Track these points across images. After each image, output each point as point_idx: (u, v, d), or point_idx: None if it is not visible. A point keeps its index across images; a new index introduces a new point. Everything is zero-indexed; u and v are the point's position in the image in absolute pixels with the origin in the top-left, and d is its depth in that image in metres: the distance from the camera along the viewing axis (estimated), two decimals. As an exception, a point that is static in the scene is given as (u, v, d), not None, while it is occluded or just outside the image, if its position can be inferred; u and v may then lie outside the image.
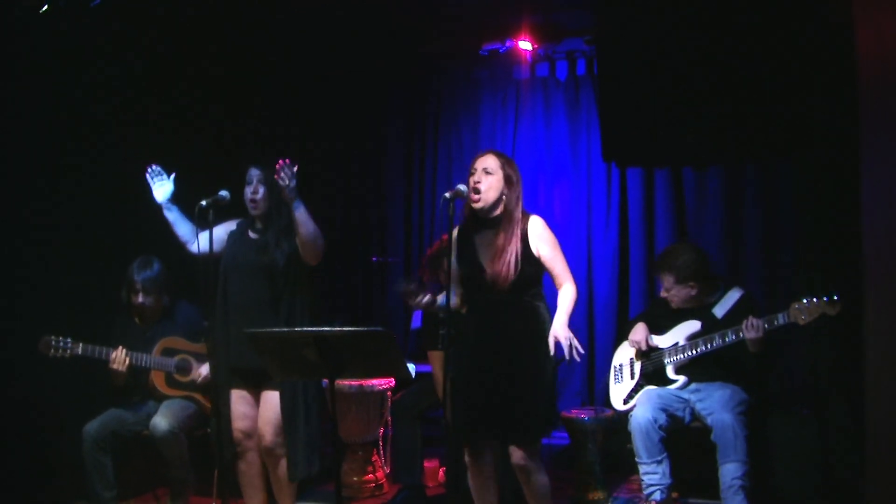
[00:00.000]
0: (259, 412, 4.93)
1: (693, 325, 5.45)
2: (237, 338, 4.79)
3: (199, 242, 4.88)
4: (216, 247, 4.82)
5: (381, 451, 6.46)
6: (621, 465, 5.99)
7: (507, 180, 4.60)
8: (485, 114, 8.05)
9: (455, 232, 4.58)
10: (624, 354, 5.78)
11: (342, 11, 6.66)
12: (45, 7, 5.72)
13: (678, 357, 5.41)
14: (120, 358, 5.51)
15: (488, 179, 4.56)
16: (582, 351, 4.38)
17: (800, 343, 5.93)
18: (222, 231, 5.01)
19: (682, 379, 5.42)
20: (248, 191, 4.89)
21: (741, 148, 5.92)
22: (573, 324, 7.48)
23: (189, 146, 6.43)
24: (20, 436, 5.67)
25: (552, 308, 4.62)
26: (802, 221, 6.08)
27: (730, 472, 5.03)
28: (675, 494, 5.39)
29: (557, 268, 4.57)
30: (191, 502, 5.77)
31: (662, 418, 5.25)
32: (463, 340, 4.55)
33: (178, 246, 5.12)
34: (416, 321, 7.18)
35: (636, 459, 5.28)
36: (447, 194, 4.38)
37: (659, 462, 5.21)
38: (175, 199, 5.09)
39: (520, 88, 7.92)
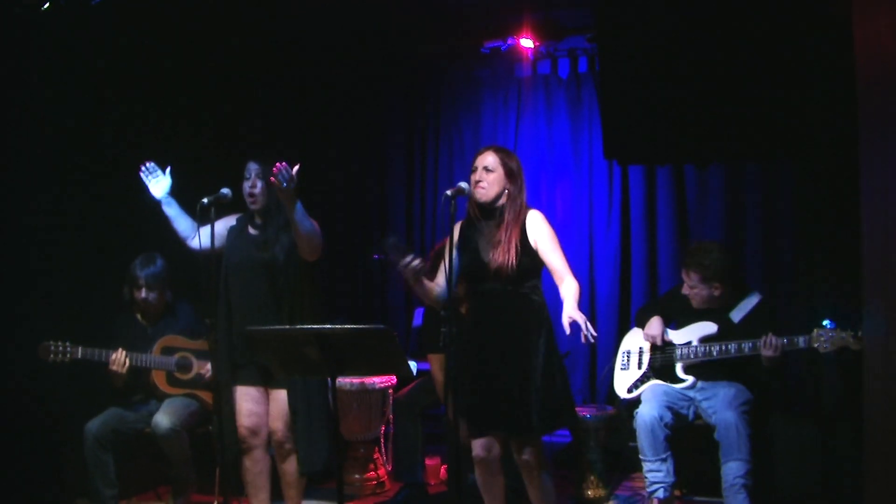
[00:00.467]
0: (270, 409, 4.90)
1: (709, 327, 5.41)
2: (242, 336, 4.78)
3: (200, 238, 4.87)
4: (216, 242, 4.80)
5: (383, 449, 6.46)
6: (623, 462, 5.99)
7: (509, 174, 4.61)
8: (486, 111, 8.05)
9: (457, 227, 4.58)
10: (633, 341, 5.75)
11: (344, 10, 6.66)
12: (47, 5, 5.72)
13: (689, 357, 5.39)
14: (120, 360, 5.51)
15: (490, 177, 4.57)
16: (595, 333, 4.32)
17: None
18: (222, 227, 4.98)
19: (690, 379, 5.40)
20: (247, 185, 4.86)
21: (742, 146, 5.91)
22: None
23: (190, 144, 6.43)
24: (22, 434, 5.66)
25: (551, 305, 4.63)
26: (804, 220, 6.07)
27: (732, 470, 5.03)
28: (678, 492, 5.39)
29: (556, 262, 4.54)
30: (192, 500, 5.78)
31: (668, 416, 5.24)
32: (463, 334, 4.57)
33: (178, 242, 5.10)
34: (418, 319, 7.18)
35: (640, 457, 5.27)
36: (448, 192, 4.38)
37: (663, 460, 5.20)
38: (175, 195, 5.08)
39: (521, 86, 7.93)
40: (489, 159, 4.62)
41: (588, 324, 4.27)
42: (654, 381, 5.50)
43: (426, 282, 4.57)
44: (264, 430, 4.94)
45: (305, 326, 3.93)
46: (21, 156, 5.82)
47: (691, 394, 5.40)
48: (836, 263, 5.27)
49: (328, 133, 8.14)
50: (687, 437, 5.44)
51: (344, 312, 8.01)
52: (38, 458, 5.74)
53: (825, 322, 4.96)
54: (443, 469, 6.35)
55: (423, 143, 8.26)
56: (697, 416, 5.38)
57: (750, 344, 5.14)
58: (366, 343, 3.85)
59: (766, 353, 5.05)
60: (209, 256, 4.77)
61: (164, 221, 5.08)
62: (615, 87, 5.92)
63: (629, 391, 5.60)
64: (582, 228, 7.65)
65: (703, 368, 5.39)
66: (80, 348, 5.45)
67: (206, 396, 5.70)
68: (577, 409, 5.93)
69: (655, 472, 5.20)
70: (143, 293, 5.68)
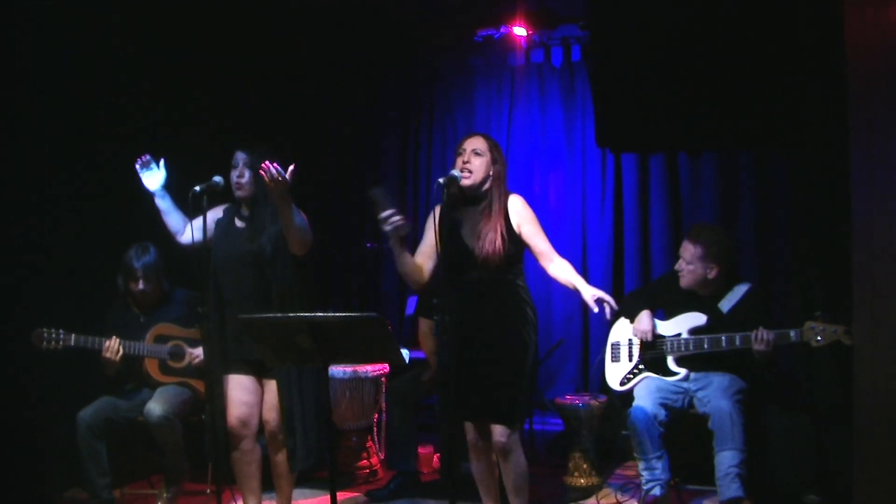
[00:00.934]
0: (264, 399, 4.87)
1: (698, 318, 5.39)
2: (234, 329, 4.76)
3: (191, 233, 4.84)
4: (203, 235, 4.77)
5: (376, 438, 6.46)
6: (616, 451, 6.00)
7: (495, 162, 4.62)
8: (479, 100, 8.06)
9: (437, 211, 4.55)
10: (621, 333, 5.72)
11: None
12: None
13: (680, 350, 5.38)
14: (113, 348, 5.50)
15: (477, 160, 4.57)
16: (615, 306, 4.46)
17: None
18: (210, 218, 4.94)
19: (683, 372, 5.40)
20: (234, 174, 4.83)
21: (735, 134, 5.91)
22: (566, 310, 7.60)
23: (182, 133, 6.42)
24: (14, 424, 5.65)
25: (535, 288, 4.67)
26: (796, 209, 6.08)
27: (726, 459, 5.03)
28: (672, 481, 5.39)
29: (542, 245, 4.59)
30: (185, 489, 5.77)
31: (662, 414, 5.24)
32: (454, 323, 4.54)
33: (168, 236, 5.08)
34: (411, 308, 7.19)
35: (635, 455, 5.28)
36: (441, 180, 4.38)
37: (658, 458, 5.20)
38: (167, 185, 5.06)
39: (515, 75, 7.93)
40: (478, 143, 4.63)
41: (611, 299, 4.42)
42: (646, 375, 5.49)
43: (406, 253, 4.55)
44: (254, 420, 4.90)
45: (298, 315, 3.91)
46: (14, 145, 5.80)
47: (685, 385, 5.40)
48: (830, 253, 5.26)
49: (321, 121, 8.12)
50: (680, 426, 5.44)
51: (337, 301, 8.02)
52: (30, 447, 5.74)
53: (818, 314, 4.95)
54: (435, 457, 6.36)
55: (417, 130, 8.26)
56: (691, 405, 5.38)
57: (741, 337, 5.13)
58: (358, 331, 3.84)
59: (759, 347, 5.04)
60: (200, 248, 4.75)
61: (155, 212, 5.06)
62: (607, 75, 5.91)
63: (622, 384, 5.59)
64: (575, 217, 7.66)
65: (695, 360, 5.37)
66: (73, 336, 5.44)
67: (199, 385, 5.70)
68: (569, 397, 5.99)
69: (651, 470, 5.21)
70: (141, 285, 5.67)
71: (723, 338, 5.19)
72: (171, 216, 5.03)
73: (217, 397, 4.84)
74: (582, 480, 5.82)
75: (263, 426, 4.90)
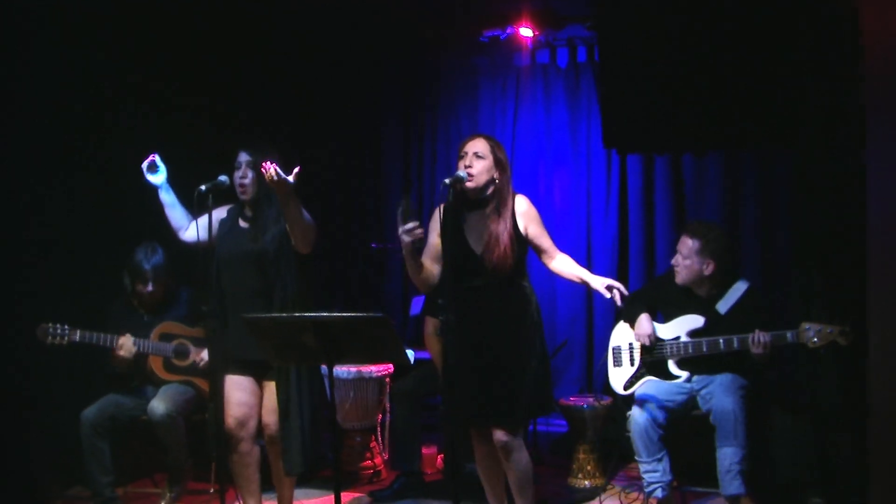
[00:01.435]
0: (264, 401, 4.84)
1: (696, 321, 5.39)
2: (235, 329, 4.73)
3: (195, 230, 4.82)
4: (208, 234, 4.76)
5: (380, 438, 6.46)
6: (620, 452, 5.99)
7: (498, 164, 4.58)
8: (484, 100, 8.04)
9: (440, 210, 4.49)
10: (622, 336, 5.72)
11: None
12: None
13: (680, 353, 5.38)
14: (128, 345, 5.51)
15: (479, 163, 4.54)
16: (626, 291, 4.45)
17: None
18: (214, 218, 4.92)
19: (685, 374, 5.40)
20: (237, 175, 4.81)
21: (741, 135, 5.89)
22: (571, 311, 7.59)
23: (186, 132, 6.41)
24: (17, 422, 5.66)
25: (537, 290, 4.67)
26: (801, 210, 6.06)
27: (728, 455, 5.04)
28: (674, 483, 5.39)
29: (547, 244, 4.63)
30: (189, 487, 5.78)
31: (661, 417, 5.24)
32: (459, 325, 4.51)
33: (171, 233, 5.07)
34: (415, 308, 7.18)
35: (636, 458, 5.30)
36: (447, 180, 4.38)
37: (659, 460, 5.21)
38: (172, 184, 5.03)
39: (520, 75, 7.91)
40: (479, 146, 4.59)
41: (620, 285, 4.42)
42: (648, 379, 5.50)
43: (419, 259, 4.54)
44: (253, 422, 4.85)
45: (303, 314, 3.90)
46: (20, 141, 5.80)
47: (688, 385, 5.39)
48: (833, 254, 5.25)
49: (325, 120, 8.11)
50: (683, 427, 5.44)
51: (341, 301, 8.01)
52: (33, 445, 5.74)
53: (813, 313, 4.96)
54: (439, 458, 6.35)
55: (421, 131, 8.25)
56: (696, 405, 5.37)
57: (738, 339, 5.13)
58: (363, 331, 3.84)
59: (756, 350, 5.05)
60: (205, 247, 4.74)
61: (160, 209, 5.03)
62: (614, 76, 5.90)
63: (625, 388, 5.59)
64: (580, 217, 7.65)
65: (696, 362, 5.37)
66: (77, 331, 5.45)
67: (203, 384, 5.71)
68: (573, 398, 5.98)
69: (652, 473, 5.22)
70: (150, 286, 5.67)
71: (720, 340, 5.19)
72: (175, 211, 5.00)
73: (220, 396, 4.83)
74: (586, 482, 5.83)
75: (263, 429, 4.87)
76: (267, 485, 5.03)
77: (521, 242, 4.54)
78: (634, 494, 5.62)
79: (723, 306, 5.38)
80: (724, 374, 5.30)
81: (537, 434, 6.63)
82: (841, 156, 4.81)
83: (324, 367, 4.17)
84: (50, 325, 5.39)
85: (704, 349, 5.25)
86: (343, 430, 6.16)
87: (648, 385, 5.44)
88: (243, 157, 4.82)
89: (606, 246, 7.52)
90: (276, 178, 4.40)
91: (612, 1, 5.76)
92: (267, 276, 4.75)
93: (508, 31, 7.47)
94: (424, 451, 6.17)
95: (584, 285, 4.59)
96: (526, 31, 7.40)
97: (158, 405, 5.45)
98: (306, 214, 4.73)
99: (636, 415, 5.24)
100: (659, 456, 5.21)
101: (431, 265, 4.65)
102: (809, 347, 4.93)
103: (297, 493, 5.08)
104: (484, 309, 4.52)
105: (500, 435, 4.48)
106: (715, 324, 5.33)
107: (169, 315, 5.78)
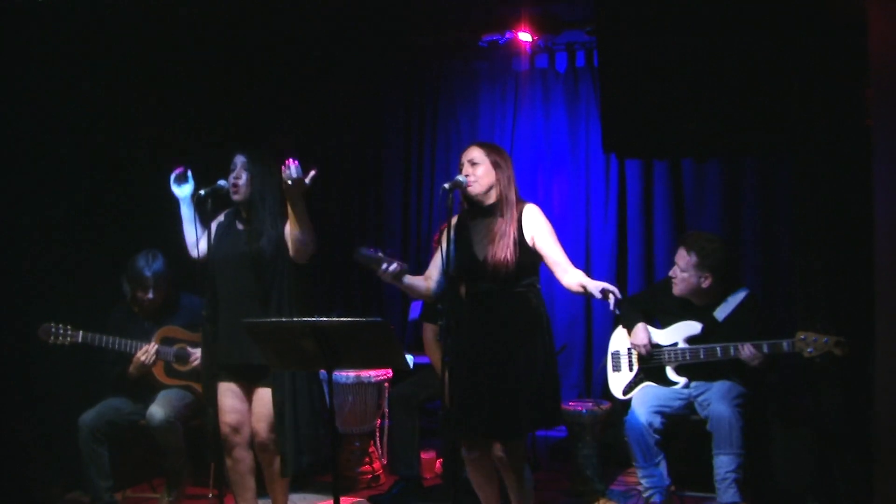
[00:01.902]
0: (252, 409, 4.82)
1: (693, 327, 5.40)
2: (226, 332, 4.71)
3: (204, 246, 4.84)
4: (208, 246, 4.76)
5: (379, 443, 6.45)
6: (619, 457, 5.99)
7: (496, 165, 4.56)
8: (483, 105, 8.04)
9: (454, 220, 4.52)
10: (620, 342, 5.73)
11: (341, 1, 6.64)
12: None
13: (678, 360, 5.38)
14: (150, 352, 5.52)
15: (476, 170, 4.53)
16: (620, 296, 4.27)
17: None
18: (213, 224, 4.93)
19: (683, 380, 5.40)
20: (231, 176, 4.82)
21: (743, 141, 5.89)
22: (570, 315, 7.58)
23: (186, 139, 6.41)
24: (16, 426, 5.65)
25: (547, 300, 4.63)
26: (802, 217, 6.05)
27: (724, 464, 5.04)
28: (672, 488, 5.39)
29: (557, 255, 4.48)
30: (187, 492, 5.77)
31: (657, 421, 5.25)
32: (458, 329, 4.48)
33: (181, 245, 5.06)
34: (414, 313, 7.18)
35: (633, 463, 5.31)
36: (446, 185, 4.36)
37: (656, 465, 5.23)
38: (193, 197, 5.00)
39: (519, 80, 7.91)
40: (474, 153, 4.59)
41: (615, 289, 4.26)
42: (647, 384, 5.50)
43: (409, 279, 4.50)
44: (246, 427, 4.85)
45: (302, 319, 3.90)
46: (26, 146, 5.80)
47: (686, 391, 5.40)
48: (834, 261, 5.25)
49: (325, 125, 8.10)
50: (681, 432, 5.45)
51: (340, 305, 8.00)
52: (32, 450, 5.73)
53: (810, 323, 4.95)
54: (438, 463, 6.34)
55: (421, 135, 8.24)
56: (693, 411, 5.38)
57: (734, 347, 5.13)
58: (363, 336, 3.84)
59: (753, 363, 5.07)
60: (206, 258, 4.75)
61: (170, 217, 5.03)
62: (615, 81, 5.90)
63: (624, 393, 5.60)
64: (578, 222, 7.65)
65: (694, 368, 5.37)
66: (80, 332, 5.45)
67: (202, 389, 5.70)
68: (572, 403, 5.97)
69: (650, 478, 5.24)
70: (151, 294, 5.67)
71: (718, 348, 5.20)
72: (191, 227, 5.01)
73: (216, 401, 4.82)
74: (585, 487, 5.81)
75: (253, 437, 4.85)
76: (263, 490, 5.02)
77: (526, 251, 4.49)
78: (633, 500, 5.62)
79: (721, 313, 5.38)
80: (721, 381, 5.30)
81: (535, 439, 6.62)
82: (845, 161, 4.80)
83: (323, 372, 4.17)
84: (52, 324, 5.40)
85: (702, 356, 5.25)
86: (342, 435, 6.16)
87: (646, 390, 5.46)
88: (239, 160, 4.84)
89: (605, 251, 7.52)
90: (294, 175, 4.41)
91: (613, 6, 5.76)
92: (262, 279, 4.74)
93: (507, 35, 7.48)
94: (423, 455, 6.16)
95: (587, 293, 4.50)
96: (525, 36, 7.41)
97: (157, 410, 5.44)
98: (309, 225, 4.72)
99: (632, 421, 5.26)
100: (656, 461, 5.23)
101: (439, 276, 4.65)
102: (805, 357, 4.92)
103: (296, 497, 5.08)
104: (487, 315, 4.48)
105: (498, 450, 4.46)
106: (712, 330, 5.33)
107: (170, 321, 5.76)
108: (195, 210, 4.90)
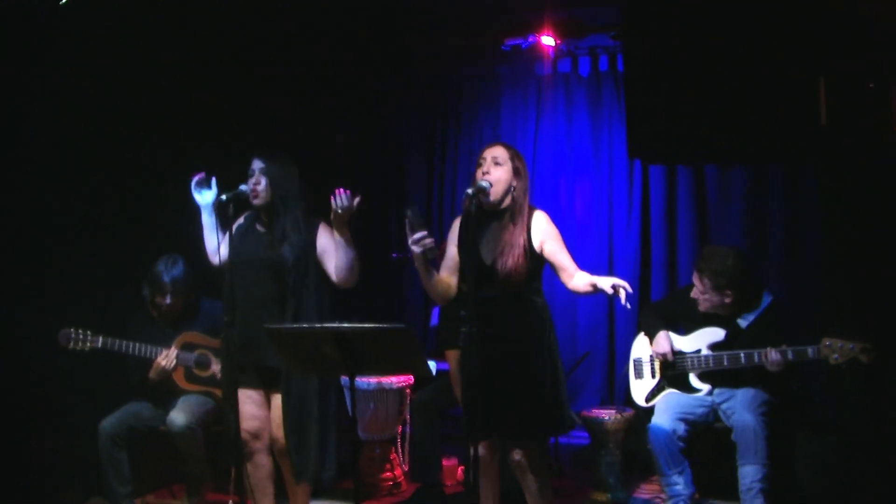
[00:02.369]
0: (272, 415, 4.82)
1: (716, 334, 5.35)
2: (243, 335, 4.66)
3: (221, 252, 4.83)
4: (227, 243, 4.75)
5: (400, 449, 6.42)
6: (642, 464, 5.94)
7: (516, 172, 4.52)
8: (506, 109, 8.04)
9: (457, 223, 4.50)
10: (642, 349, 5.70)
11: (364, 5, 6.63)
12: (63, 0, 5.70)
13: (701, 366, 5.33)
14: (171, 357, 5.51)
15: (498, 170, 4.48)
16: (630, 290, 4.24)
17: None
18: (233, 226, 4.91)
19: (706, 387, 5.36)
20: (251, 182, 4.82)
21: (768, 147, 5.85)
22: (592, 321, 7.55)
23: (205, 146, 6.39)
24: (36, 431, 5.66)
25: (558, 301, 4.59)
26: (828, 225, 6.01)
27: (749, 474, 5.01)
28: (696, 496, 5.35)
29: (565, 262, 4.46)
30: (207, 499, 5.75)
31: (681, 429, 5.21)
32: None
33: (202, 249, 5.05)
34: (436, 318, 7.15)
35: (657, 471, 5.28)
36: (469, 190, 4.33)
37: (680, 473, 5.19)
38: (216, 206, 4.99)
39: (542, 84, 7.91)
40: (499, 152, 4.54)
41: (626, 283, 4.24)
42: (669, 391, 5.46)
43: (433, 271, 4.49)
44: (266, 433, 4.86)
45: (324, 325, 3.87)
46: (47, 152, 5.81)
47: (710, 398, 5.35)
48: (860, 268, 5.20)
49: (345, 130, 8.09)
50: (704, 440, 5.40)
51: (360, 311, 7.97)
52: (52, 455, 5.73)
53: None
54: (459, 470, 6.30)
55: (443, 140, 8.24)
56: (717, 418, 5.33)
57: (759, 354, 5.09)
58: (385, 342, 3.80)
59: (773, 368, 5.03)
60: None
61: (191, 223, 5.03)
62: (640, 86, 5.86)
63: (647, 400, 5.56)
64: (602, 227, 7.63)
65: (718, 375, 5.33)
66: (100, 337, 5.45)
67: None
68: (595, 410, 5.93)
69: (674, 486, 5.20)
70: (169, 299, 5.66)
71: (741, 354, 5.16)
72: (212, 236, 5.00)
73: (237, 407, 4.79)
74: (607, 494, 5.76)
75: (273, 444, 4.84)
76: (284, 496, 5.00)
77: (535, 257, 4.46)
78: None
79: (744, 319, 5.34)
80: (745, 388, 5.26)
81: (558, 446, 6.58)
82: (872, 167, 4.75)
83: (345, 379, 4.14)
84: (72, 329, 5.40)
85: (725, 363, 5.21)
86: (363, 442, 6.13)
87: (669, 398, 5.42)
88: (257, 165, 4.84)
89: (628, 257, 7.49)
90: (345, 204, 4.45)
91: (638, 10, 5.72)
92: (282, 285, 4.72)
93: (530, 39, 7.46)
94: (445, 462, 6.14)
95: (598, 291, 4.45)
96: (548, 40, 7.39)
97: (178, 416, 5.43)
98: (353, 252, 4.76)
99: (655, 428, 5.22)
100: (680, 469, 5.18)
101: (449, 277, 4.62)
102: (831, 364, 4.87)
103: (316, 504, 5.05)
104: (495, 321, 4.43)
105: (515, 454, 4.45)
106: (735, 337, 5.29)
107: (190, 327, 5.75)
108: (216, 216, 4.89)
